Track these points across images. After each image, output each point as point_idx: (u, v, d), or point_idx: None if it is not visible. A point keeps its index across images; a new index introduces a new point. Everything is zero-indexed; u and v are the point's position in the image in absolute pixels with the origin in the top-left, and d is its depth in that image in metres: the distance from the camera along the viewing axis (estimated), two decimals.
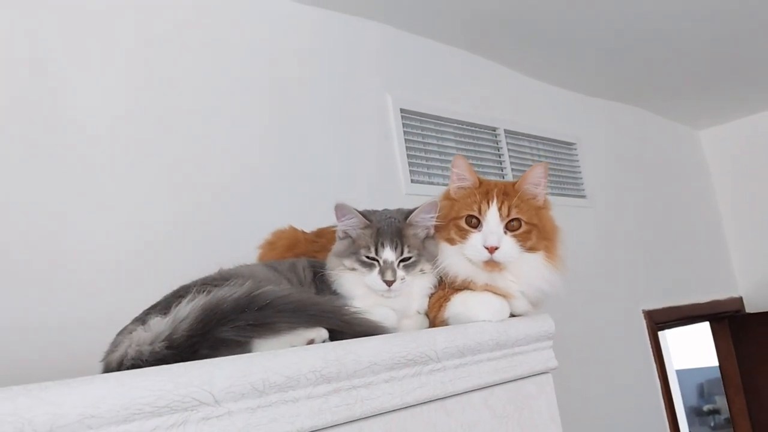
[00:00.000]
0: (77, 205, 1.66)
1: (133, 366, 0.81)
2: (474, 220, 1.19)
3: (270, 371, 0.79)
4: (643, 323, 3.54)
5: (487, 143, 2.97)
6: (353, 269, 1.11)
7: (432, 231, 1.20)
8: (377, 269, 1.10)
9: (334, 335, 0.95)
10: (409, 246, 1.13)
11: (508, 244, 1.17)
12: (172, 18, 1.99)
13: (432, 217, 1.18)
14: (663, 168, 4.17)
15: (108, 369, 0.87)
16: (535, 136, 3.23)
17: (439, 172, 2.67)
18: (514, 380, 1.19)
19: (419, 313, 1.18)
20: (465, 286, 1.18)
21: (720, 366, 4.33)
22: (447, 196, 1.27)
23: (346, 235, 1.16)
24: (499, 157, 3.00)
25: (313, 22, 2.39)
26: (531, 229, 1.20)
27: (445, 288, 1.18)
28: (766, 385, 4.05)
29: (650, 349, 3.53)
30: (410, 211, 1.18)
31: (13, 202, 1.56)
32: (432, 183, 2.62)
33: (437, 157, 2.70)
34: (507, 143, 3.04)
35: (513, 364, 1.19)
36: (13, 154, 1.58)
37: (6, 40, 1.64)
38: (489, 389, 1.13)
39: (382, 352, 0.94)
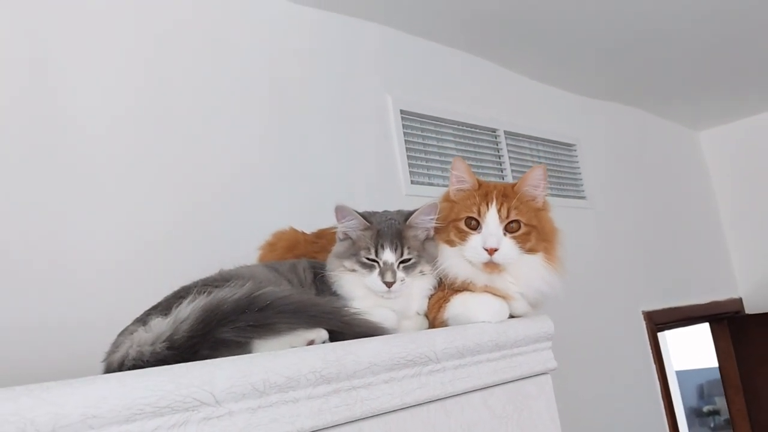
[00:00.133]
0: (77, 205, 1.66)
1: (135, 366, 0.81)
2: (473, 222, 1.20)
3: (270, 372, 0.80)
4: (643, 324, 3.55)
5: (487, 144, 2.98)
6: (353, 270, 1.12)
7: (432, 232, 1.21)
8: (377, 271, 1.11)
9: (334, 336, 0.95)
10: (409, 248, 1.13)
11: (508, 246, 1.18)
12: (172, 18, 2.00)
13: (432, 219, 1.19)
14: (663, 169, 4.17)
15: (109, 369, 0.87)
16: (535, 137, 3.23)
17: (439, 173, 2.68)
18: (514, 381, 1.19)
19: (419, 314, 1.19)
20: (464, 288, 1.18)
21: (720, 367, 4.33)
22: (446, 198, 1.27)
23: (347, 237, 1.16)
24: (499, 158, 3.01)
25: (313, 22, 2.40)
26: (530, 230, 1.21)
27: (445, 289, 1.19)
28: (765, 386, 4.06)
29: (650, 350, 3.54)
30: (410, 213, 1.18)
31: (13, 202, 1.56)
32: (432, 184, 2.63)
33: (437, 158, 2.71)
34: (507, 144, 3.04)
35: (512, 365, 1.19)
36: (13, 154, 1.58)
37: (6, 40, 1.64)
38: (488, 390, 1.13)
39: (382, 353, 0.94)
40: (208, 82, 2.03)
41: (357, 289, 1.12)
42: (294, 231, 1.45)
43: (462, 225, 1.20)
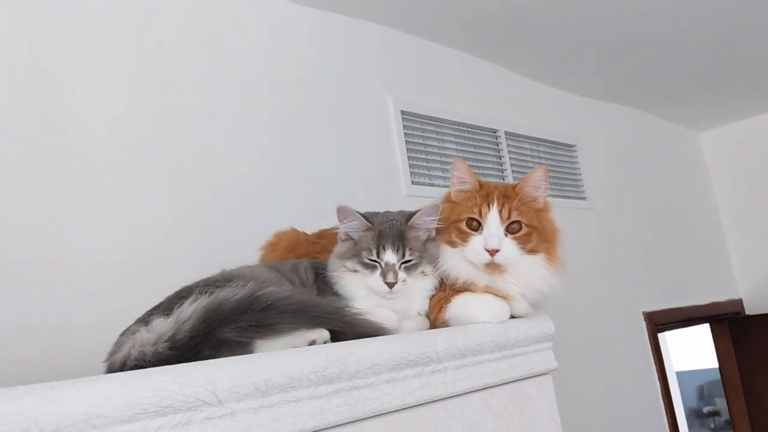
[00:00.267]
0: (77, 205, 1.66)
1: (137, 366, 0.81)
2: (475, 223, 1.20)
3: (272, 372, 0.80)
4: (643, 325, 3.55)
5: (488, 145, 2.98)
6: (355, 271, 1.12)
7: (433, 233, 1.21)
8: (379, 271, 1.11)
9: (336, 336, 0.95)
10: (410, 248, 1.14)
11: (509, 247, 1.18)
12: (171, 18, 2.00)
13: (433, 220, 1.19)
14: (663, 170, 4.17)
15: (111, 369, 0.87)
16: (536, 138, 3.24)
17: (440, 173, 2.68)
18: (515, 381, 1.19)
19: (420, 314, 1.19)
20: (466, 288, 1.18)
21: (720, 368, 4.33)
22: (448, 199, 1.28)
23: (348, 237, 1.16)
24: (500, 159, 3.01)
25: (313, 22, 2.40)
26: (531, 231, 1.21)
27: (446, 290, 1.19)
28: (765, 387, 4.06)
29: (650, 351, 3.54)
30: (412, 214, 1.18)
31: (13, 202, 1.55)
32: (432, 185, 2.63)
33: (438, 158, 2.71)
34: (507, 145, 3.04)
35: (513, 365, 1.19)
36: (13, 154, 1.58)
37: (6, 40, 1.64)
38: (489, 390, 1.13)
39: (384, 353, 0.94)
40: (208, 82, 2.03)
41: (358, 289, 1.12)
42: (295, 231, 1.45)
43: (463, 226, 1.20)
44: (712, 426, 6.39)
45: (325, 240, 1.36)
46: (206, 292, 0.90)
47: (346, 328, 0.97)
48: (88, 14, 1.81)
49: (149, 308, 1.01)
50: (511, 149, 3.06)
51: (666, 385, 3.55)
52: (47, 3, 1.73)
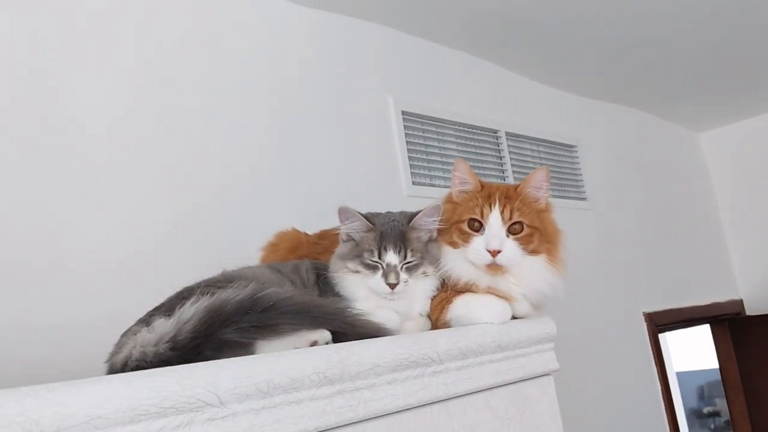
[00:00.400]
0: (77, 205, 1.66)
1: (138, 367, 0.81)
2: (476, 224, 1.20)
3: (274, 373, 0.80)
4: (644, 325, 3.55)
5: (488, 145, 2.98)
6: (356, 272, 1.12)
7: (435, 234, 1.21)
8: (380, 272, 1.11)
9: (337, 337, 0.95)
10: (412, 249, 1.14)
11: (511, 248, 1.18)
12: (171, 18, 1.99)
13: (435, 221, 1.19)
14: (663, 170, 4.17)
15: (113, 370, 0.87)
16: (536, 139, 3.23)
17: (441, 174, 2.67)
18: (516, 382, 1.19)
19: (422, 315, 1.19)
20: (467, 289, 1.18)
21: (720, 368, 4.33)
22: (449, 200, 1.28)
23: (350, 238, 1.16)
24: (500, 159, 3.01)
25: (313, 23, 2.39)
26: (533, 232, 1.21)
27: (448, 290, 1.19)
28: (766, 388, 4.05)
29: (650, 351, 3.54)
30: (413, 214, 1.18)
31: (13, 202, 1.55)
32: (433, 185, 2.62)
33: (438, 159, 2.71)
34: (508, 145, 3.04)
35: (515, 366, 1.19)
36: (13, 154, 1.58)
37: (6, 40, 1.64)
38: (491, 391, 1.13)
39: (385, 354, 0.94)
40: (208, 82, 2.03)
41: (360, 290, 1.12)
42: (296, 232, 1.45)
43: (465, 227, 1.20)
44: (712, 426, 6.39)
45: (326, 241, 1.35)
46: (208, 293, 0.90)
47: (348, 329, 0.96)
48: (88, 14, 1.81)
49: (150, 309, 1.01)
50: (511, 149, 3.06)
51: (666, 385, 3.54)
52: (47, 3, 1.73)
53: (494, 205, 1.20)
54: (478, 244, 1.18)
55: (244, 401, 0.76)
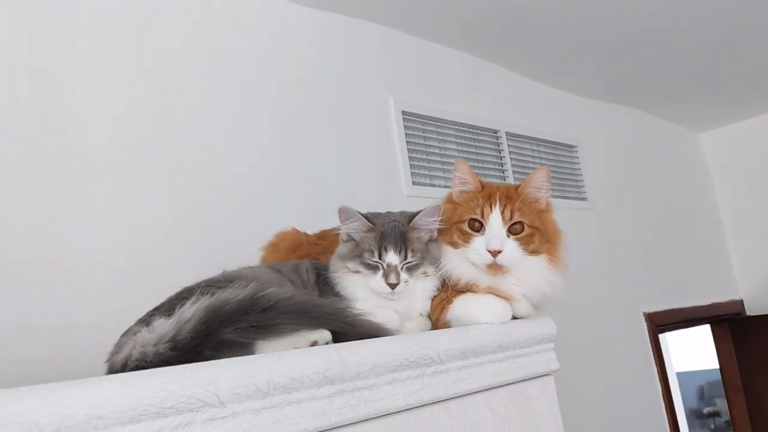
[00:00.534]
0: (77, 205, 1.66)
1: (138, 367, 0.81)
2: (477, 224, 1.20)
3: (274, 373, 0.80)
4: (644, 325, 3.55)
5: (489, 145, 2.98)
6: (357, 272, 1.12)
7: (435, 234, 1.21)
8: (381, 272, 1.11)
9: (337, 337, 0.95)
10: (412, 249, 1.13)
11: (511, 248, 1.18)
12: (172, 18, 1.99)
13: (435, 221, 1.18)
14: (663, 170, 4.17)
15: (112, 370, 0.87)
16: (536, 139, 3.23)
17: (441, 174, 2.67)
18: (516, 382, 1.19)
19: (422, 315, 1.18)
20: (468, 289, 1.18)
21: (720, 368, 4.33)
22: (450, 200, 1.27)
23: (350, 238, 1.16)
24: (500, 159, 3.01)
25: (313, 23, 2.39)
26: (533, 232, 1.21)
27: (448, 290, 1.18)
28: (766, 388, 4.05)
29: (651, 352, 3.53)
30: (414, 215, 1.18)
31: (13, 202, 1.55)
32: (433, 185, 2.62)
33: (438, 159, 2.71)
34: (508, 145, 3.04)
35: (515, 366, 1.19)
36: (13, 154, 1.58)
37: (6, 40, 1.63)
38: (491, 391, 1.13)
39: (385, 354, 0.94)
40: (208, 83, 2.03)
41: (360, 290, 1.12)
42: (297, 232, 1.45)
43: (465, 227, 1.20)
44: (712, 427, 6.38)
45: (326, 241, 1.35)
46: (208, 293, 0.90)
47: (348, 329, 0.96)
48: (88, 14, 1.80)
49: (150, 309, 1.01)
50: (512, 150, 3.06)
51: (666, 385, 3.54)
52: (47, 3, 1.73)
53: (495, 205, 1.20)
54: (479, 244, 1.17)
55: (244, 401, 0.76)
